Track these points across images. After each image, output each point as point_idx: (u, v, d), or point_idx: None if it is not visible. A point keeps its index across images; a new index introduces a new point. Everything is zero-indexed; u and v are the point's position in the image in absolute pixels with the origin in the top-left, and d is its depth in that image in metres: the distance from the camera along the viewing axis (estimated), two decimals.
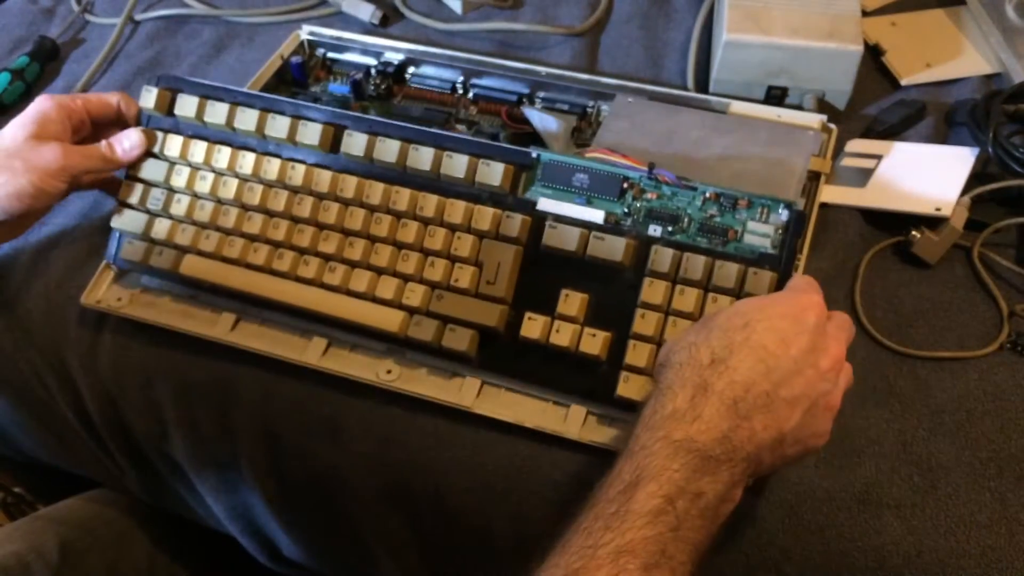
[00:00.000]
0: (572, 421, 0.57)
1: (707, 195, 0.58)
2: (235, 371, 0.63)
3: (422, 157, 0.62)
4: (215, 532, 0.75)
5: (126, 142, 0.66)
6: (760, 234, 0.57)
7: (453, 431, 0.59)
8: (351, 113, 0.66)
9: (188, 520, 0.76)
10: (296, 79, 0.79)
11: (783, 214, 0.57)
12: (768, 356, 0.47)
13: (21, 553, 0.72)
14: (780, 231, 0.57)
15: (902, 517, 0.53)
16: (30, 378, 0.69)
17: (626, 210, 0.59)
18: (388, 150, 0.62)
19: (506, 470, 0.57)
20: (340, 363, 0.61)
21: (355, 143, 0.63)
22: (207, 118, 0.67)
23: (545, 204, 0.60)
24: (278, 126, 0.65)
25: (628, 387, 0.56)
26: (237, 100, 0.66)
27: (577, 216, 0.59)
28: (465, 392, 0.59)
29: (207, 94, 0.67)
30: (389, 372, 0.60)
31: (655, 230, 0.58)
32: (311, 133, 0.64)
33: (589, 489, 0.55)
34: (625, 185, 0.59)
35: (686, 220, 0.58)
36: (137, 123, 0.68)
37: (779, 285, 0.55)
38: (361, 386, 0.60)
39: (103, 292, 0.67)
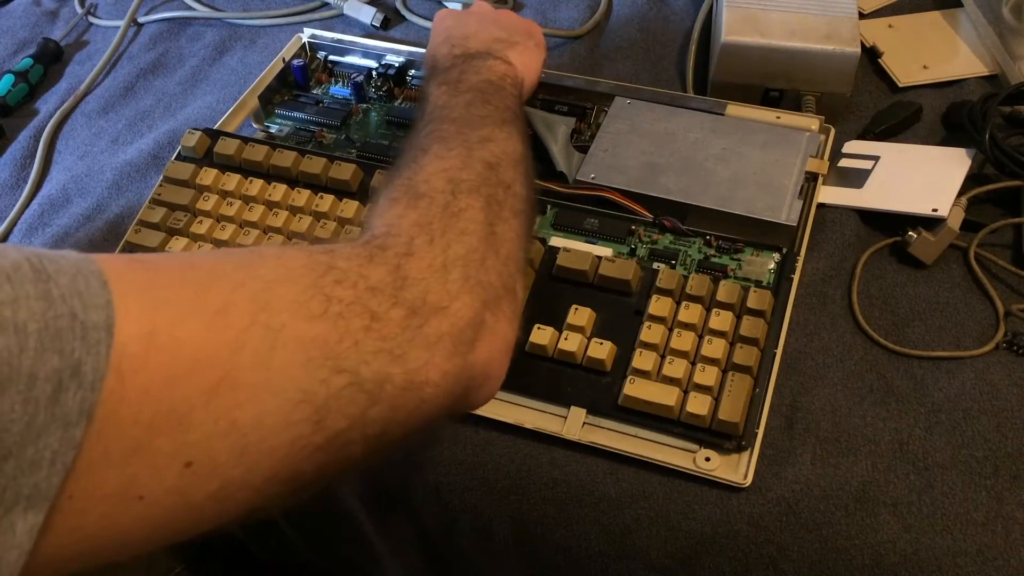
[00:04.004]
0: (572, 422, 0.57)
1: (708, 238, 0.63)
2: None
3: None
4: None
5: None
6: (755, 271, 0.62)
7: (453, 431, 0.59)
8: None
9: None
10: (298, 82, 0.80)
11: (776, 256, 0.62)
12: (446, 29, 0.67)
13: None
14: (773, 270, 0.62)
15: (899, 515, 0.53)
16: None
17: (632, 248, 0.64)
18: None
19: (506, 469, 0.58)
20: None
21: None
22: (245, 156, 0.70)
23: (556, 242, 0.65)
24: (312, 164, 0.68)
25: (634, 388, 0.56)
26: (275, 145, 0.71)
27: (586, 252, 0.62)
28: None
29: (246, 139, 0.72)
30: None
31: (658, 267, 0.62)
32: (343, 171, 0.68)
33: (589, 489, 0.56)
34: (632, 228, 0.64)
35: (688, 260, 0.63)
36: None
37: (775, 306, 0.60)
38: None
39: None
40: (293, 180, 0.69)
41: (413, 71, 0.80)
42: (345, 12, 0.89)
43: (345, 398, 0.37)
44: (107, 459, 0.30)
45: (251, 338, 0.35)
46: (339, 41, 0.81)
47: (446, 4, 0.89)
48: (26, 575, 0.29)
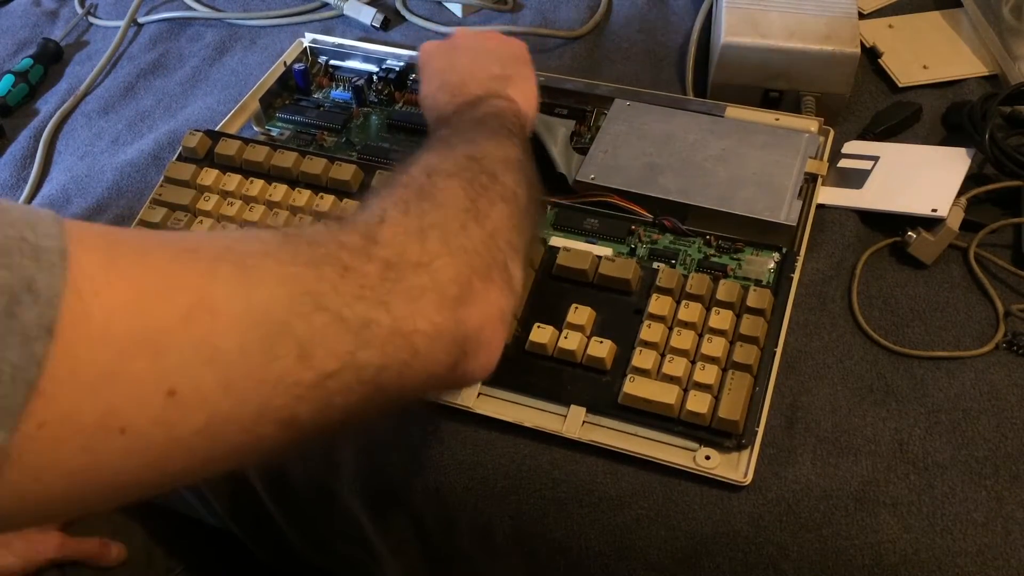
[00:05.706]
0: (572, 421, 0.57)
1: (708, 238, 0.63)
2: None
3: None
4: (214, 527, 0.75)
5: None
6: (755, 271, 0.62)
7: (453, 430, 0.59)
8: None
9: (187, 515, 0.76)
10: (299, 85, 0.80)
11: (775, 256, 0.62)
12: (438, 72, 0.65)
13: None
14: (773, 270, 0.62)
15: (899, 515, 0.53)
16: None
17: (632, 248, 0.64)
18: None
19: (506, 469, 0.58)
20: None
21: (384, 180, 0.67)
22: (246, 156, 0.70)
23: (556, 242, 0.65)
24: (313, 165, 0.69)
25: (634, 386, 0.56)
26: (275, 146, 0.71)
27: (586, 251, 0.63)
28: (466, 392, 0.59)
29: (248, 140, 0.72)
30: None
31: (658, 266, 0.62)
32: (344, 172, 0.68)
33: (589, 488, 0.56)
34: (632, 228, 0.65)
35: (688, 260, 0.63)
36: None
37: (775, 305, 0.60)
38: None
39: None
40: (294, 181, 0.69)
41: (413, 75, 0.80)
42: (345, 12, 0.89)
43: (331, 336, 0.36)
44: (77, 381, 0.29)
45: (223, 269, 0.34)
46: (340, 45, 0.82)
47: (446, 4, 0.90)
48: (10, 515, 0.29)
